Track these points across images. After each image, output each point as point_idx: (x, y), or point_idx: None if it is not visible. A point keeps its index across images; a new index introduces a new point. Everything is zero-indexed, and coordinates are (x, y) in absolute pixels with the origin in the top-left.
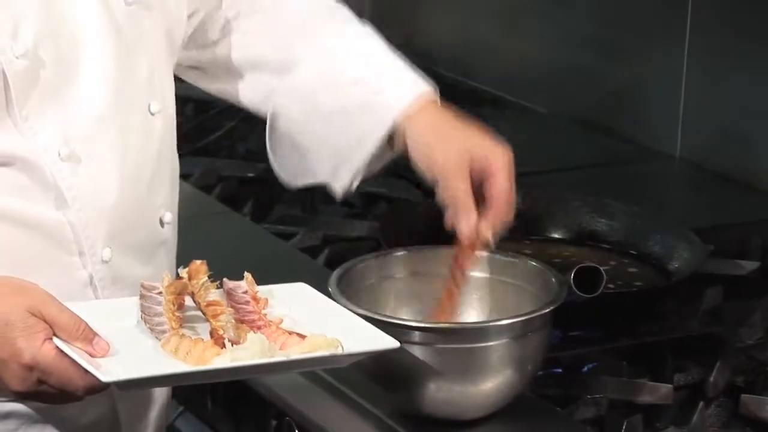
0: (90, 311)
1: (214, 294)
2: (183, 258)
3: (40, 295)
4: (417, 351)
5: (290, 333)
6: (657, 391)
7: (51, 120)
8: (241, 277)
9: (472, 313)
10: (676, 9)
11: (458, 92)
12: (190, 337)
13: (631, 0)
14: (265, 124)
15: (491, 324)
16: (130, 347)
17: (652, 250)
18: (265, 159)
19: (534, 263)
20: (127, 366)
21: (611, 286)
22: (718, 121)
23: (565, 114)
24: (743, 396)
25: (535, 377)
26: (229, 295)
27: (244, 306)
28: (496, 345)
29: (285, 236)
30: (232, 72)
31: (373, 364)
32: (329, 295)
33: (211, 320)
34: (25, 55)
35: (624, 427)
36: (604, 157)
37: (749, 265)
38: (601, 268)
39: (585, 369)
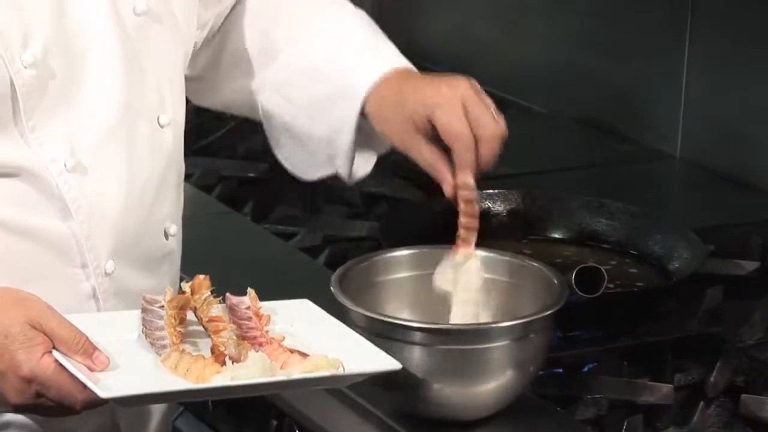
0: (91, 323)
1: (216, 309)
2: (183, 258)
3: (40, 307)
4: (418, 352)
5: (292, 351)
6: (657, 391)
7: (58, 131)
8: (242, 284)
9: (472, 313)
10: (677, 9)
11: None
12: (191, 354)
13: (631, 0)
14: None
15: (493, 326)
16: (130, 361)
17: (652, 250)
18: (265, 159)
19: (535, 263)
20: (126, 381)
21: (611, 286)
22: (718, 121)
23: (565, 114)
24: (743, 396)
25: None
26: (232, 310)
27: (246, 322)
28: (497, 346)
29: (285, 236)
30: (223, 73)
31: None
32: (330, 296)
33: (213, 336)
34: (33, 64)
35: (624, 428)
36: (604, 157)
37: (749, 265)
38: (602, 269)
39: (585, 369)
